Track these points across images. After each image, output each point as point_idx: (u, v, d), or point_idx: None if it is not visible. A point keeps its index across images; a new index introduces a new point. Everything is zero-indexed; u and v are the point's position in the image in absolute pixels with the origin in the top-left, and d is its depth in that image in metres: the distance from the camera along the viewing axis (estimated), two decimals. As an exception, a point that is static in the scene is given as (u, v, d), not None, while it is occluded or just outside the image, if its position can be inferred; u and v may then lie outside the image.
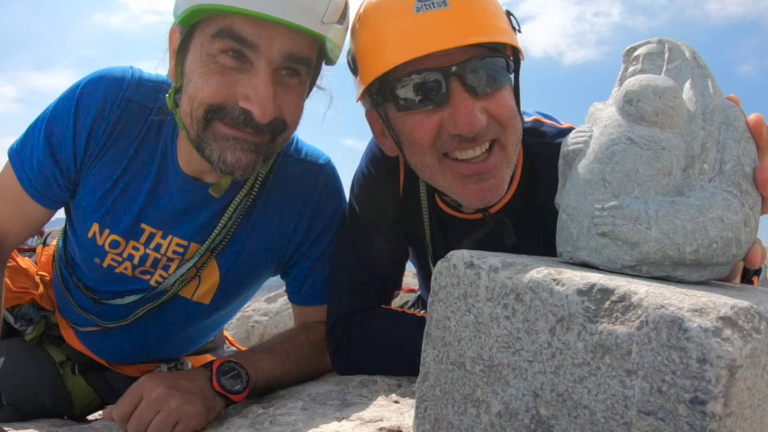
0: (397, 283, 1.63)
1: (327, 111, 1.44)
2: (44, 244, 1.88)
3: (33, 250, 1.88)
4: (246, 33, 1.13)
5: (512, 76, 1.25)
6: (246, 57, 1.16)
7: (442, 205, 1.46)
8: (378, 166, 1.50)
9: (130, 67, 1.44)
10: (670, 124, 0.76)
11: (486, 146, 1.20)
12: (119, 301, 1.54)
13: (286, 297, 1.71)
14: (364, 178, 1.53)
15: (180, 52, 1.23)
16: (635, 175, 0.75)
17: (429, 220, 1.47)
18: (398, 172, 1.50)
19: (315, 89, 1.37)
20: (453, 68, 1.13)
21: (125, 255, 1.48)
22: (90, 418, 1.84)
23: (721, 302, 0.58)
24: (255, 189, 1.45)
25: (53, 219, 1.57)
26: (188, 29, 1.20)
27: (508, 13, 1.23)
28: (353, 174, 1.59)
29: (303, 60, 1.21)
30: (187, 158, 1.40)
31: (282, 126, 1.24)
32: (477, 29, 1.13)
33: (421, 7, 1.12)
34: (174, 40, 1.25)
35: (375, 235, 1.49)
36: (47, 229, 1.94)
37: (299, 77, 1.24)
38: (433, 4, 1.11)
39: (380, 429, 1.01)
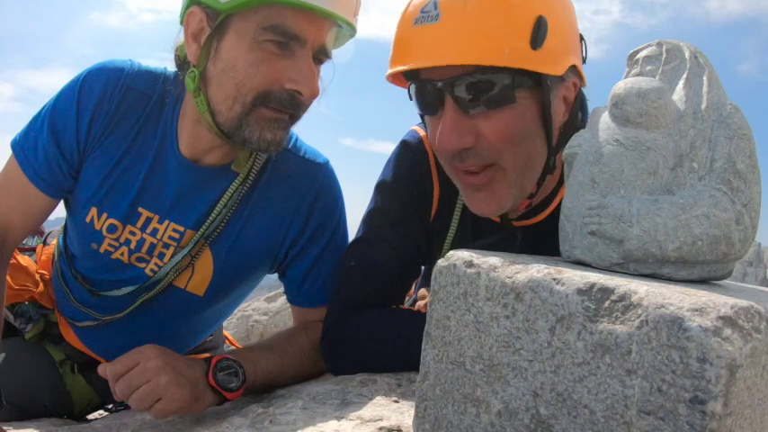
0: (398, 302, 1.55)
1: (333, 105, 1.49)
2: (44, 243, 1.89)
3: (33, 250, 1.89)
4: (297, 30, 1.24)
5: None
6: (291, 46, 1.26)
7: None
8: (408, 167, 1.45)
9: (130, 59, 1.50)
10: (656, 124, 0.77)
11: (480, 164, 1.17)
12: (115, 293, 1.56)
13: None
14: (394, 179, 1.47)
15: (214, 36, 1.27)
16: (620, 175, 0.76)
17: (461, 216, 1.43)
18: (431, 173, 1.44)
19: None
20: (439, 84, 1.12)
21: (122, 239, 1.50)
22: (90, 417, 1.84)
23: (721, 302, 0.58)
24: (251, 177, 1.48)
25: (53, 218, 1.58)
26: (224, 14, 1.25)
27: (538, 23, 1.06)
28: (375, 183, 1.52)
29: (328, 54, 1.34)
30: (190, 140, 1.43)
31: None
32: (461, 48, 1.06)
33: (419, 19, 1.12)
34: (192, 24, 1.29)
35: (387, 250, 1.43)
36: (47, 229, 1.95)
37: (320, 65, 1.35)
38: (428, 17, 1.10)
39: (380, 429, 1.01)
